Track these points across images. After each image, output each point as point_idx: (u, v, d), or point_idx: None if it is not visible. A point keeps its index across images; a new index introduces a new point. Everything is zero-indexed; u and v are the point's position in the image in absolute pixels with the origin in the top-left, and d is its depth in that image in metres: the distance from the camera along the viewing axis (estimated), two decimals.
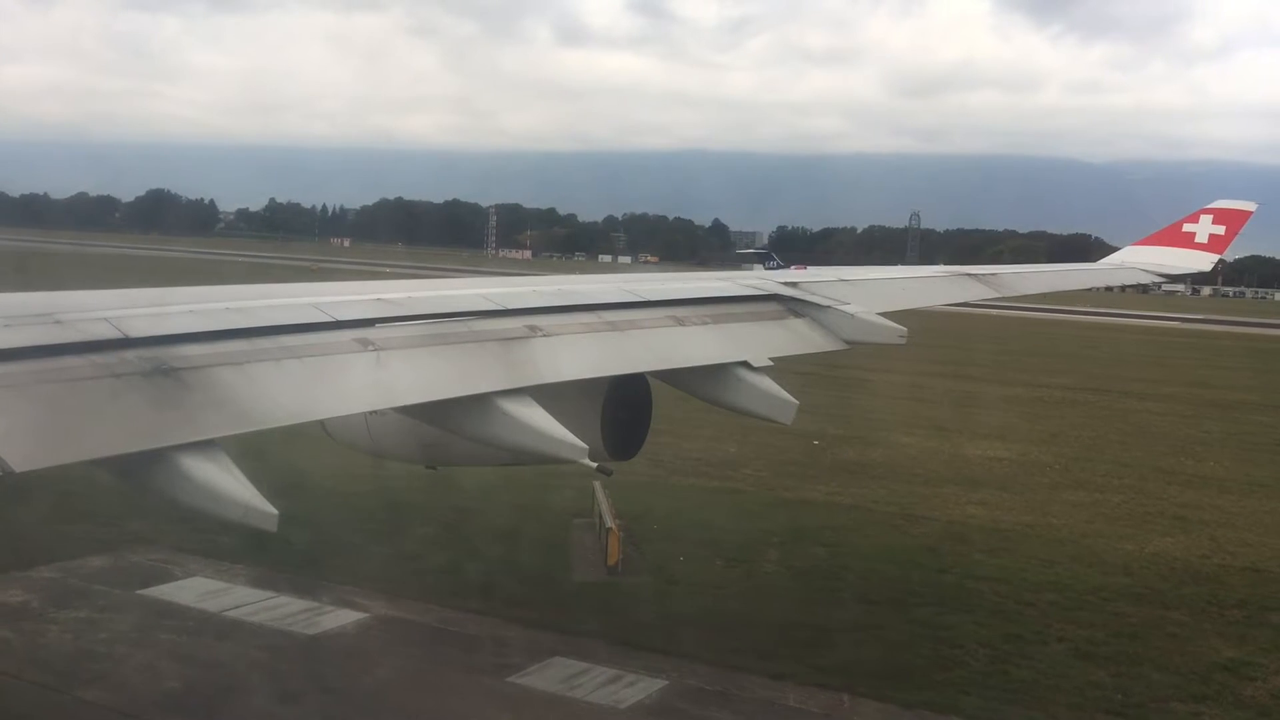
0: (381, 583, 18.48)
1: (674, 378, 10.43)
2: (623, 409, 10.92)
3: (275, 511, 6.19)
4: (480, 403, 8.00)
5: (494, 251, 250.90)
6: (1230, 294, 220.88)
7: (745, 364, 10.23)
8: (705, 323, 10.76)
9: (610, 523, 20.08)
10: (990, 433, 37.16)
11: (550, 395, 8.41)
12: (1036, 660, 16.33)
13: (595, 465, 8.86)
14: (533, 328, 9.08)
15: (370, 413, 10.44)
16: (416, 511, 22.48)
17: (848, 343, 11.81)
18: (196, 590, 17.78)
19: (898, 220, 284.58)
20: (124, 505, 19.92)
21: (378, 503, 22.52)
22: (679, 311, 10.70)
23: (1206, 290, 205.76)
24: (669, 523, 23.05)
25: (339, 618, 16.92)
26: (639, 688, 14.87)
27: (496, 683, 14.88)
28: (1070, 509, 26.31)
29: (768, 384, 10.15)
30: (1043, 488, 28.82)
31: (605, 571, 19.69)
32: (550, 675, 15.12)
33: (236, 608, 17.10)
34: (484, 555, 20.47)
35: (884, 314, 12.27)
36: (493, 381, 8.16)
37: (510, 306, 9.34)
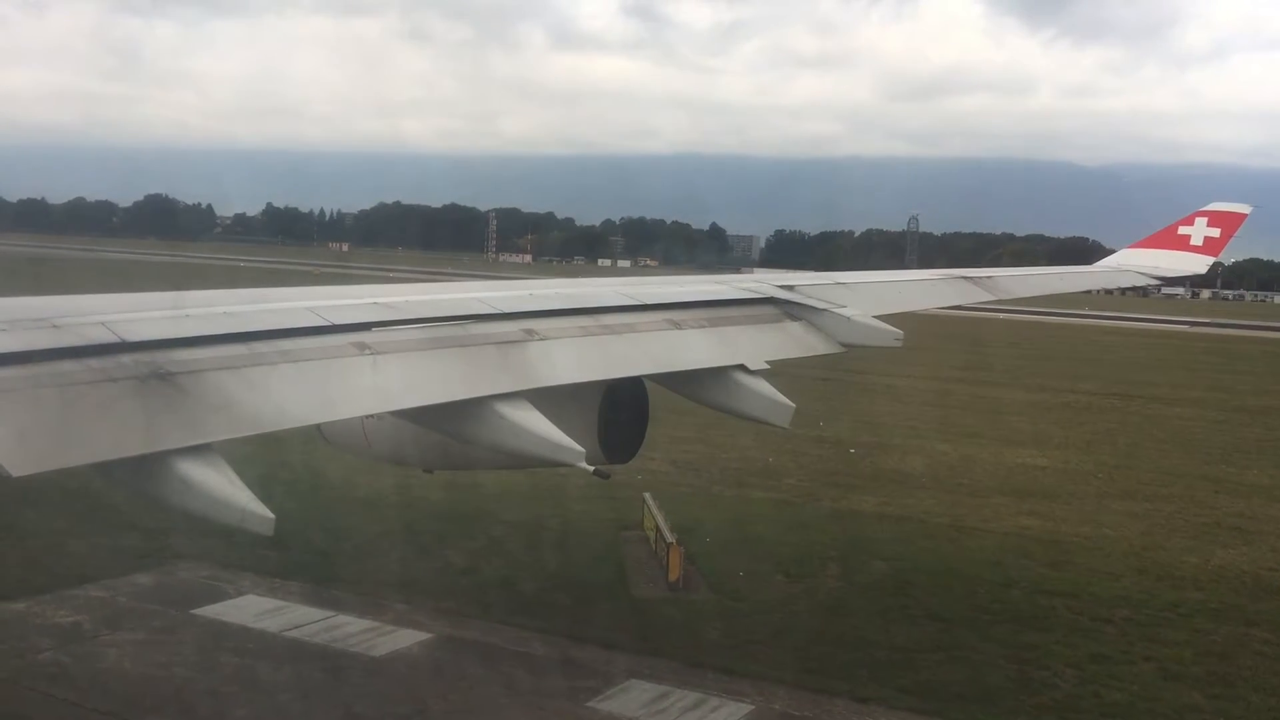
0: (438, 599, 17.96)
1: (670, 381, 10.41)
2: (620, 412, 10.90)
3: (271, 516, 6.16)
4: (477, 406, 8.00)
5: (494, 255, 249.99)
6: (1229, 297, 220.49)
7: (742, 367, 10.23)
8: (701, 326, 10.75)
9: (670, 537, 19.52)
10: (1025, 440, 36.67)
11: (547, 399, 8.38)
12: (1126, 682, 15.81)
13: (593, 469, 8.73)
14: (529, 331, 9.07)
15: (367, 417, 10.43)
16: (458, 522, 21.97)
17: (844, 346, 11.74)
18: (251, 609, 17.20)
19: (896, 223, 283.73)
20: (161, 517, 19.37)
21: (416, 514, 22.00)
22: (675, 315, 10.69)
23: (1206, 293, 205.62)
24: (721, 536, 22.48)
25: (401, 638, 16.36)
26: (724, 713, 14.34)
27: (577, 708, 14.33)
28: (1124, 519, 25.80)
29: (764, 387, 10.12)
30: (1091, 497, 28.32)
31: (666, 587, 19.13)
32: (631, 700, 14.58)
33: (295, 628, 16.53)
34: (537, 570, 19.95)
35: (880, 317, 12.18)
36: (490, 385, 8.16)
37: (507, 310, 9.35)
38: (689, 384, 10.32)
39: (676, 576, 19.13)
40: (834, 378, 45.21)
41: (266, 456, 18.55)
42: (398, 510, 22.08)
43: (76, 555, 19.15)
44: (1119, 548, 23.17)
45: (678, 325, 10.53)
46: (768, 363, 10.55)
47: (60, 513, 19.86)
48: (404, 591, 18.16)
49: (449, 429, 8.45)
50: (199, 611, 17.11)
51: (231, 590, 18.07)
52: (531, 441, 7.99)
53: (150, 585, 18.24)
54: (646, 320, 10.38)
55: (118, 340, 6.72)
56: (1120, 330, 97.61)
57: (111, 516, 19.34)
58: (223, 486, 6.16)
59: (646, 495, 22.52)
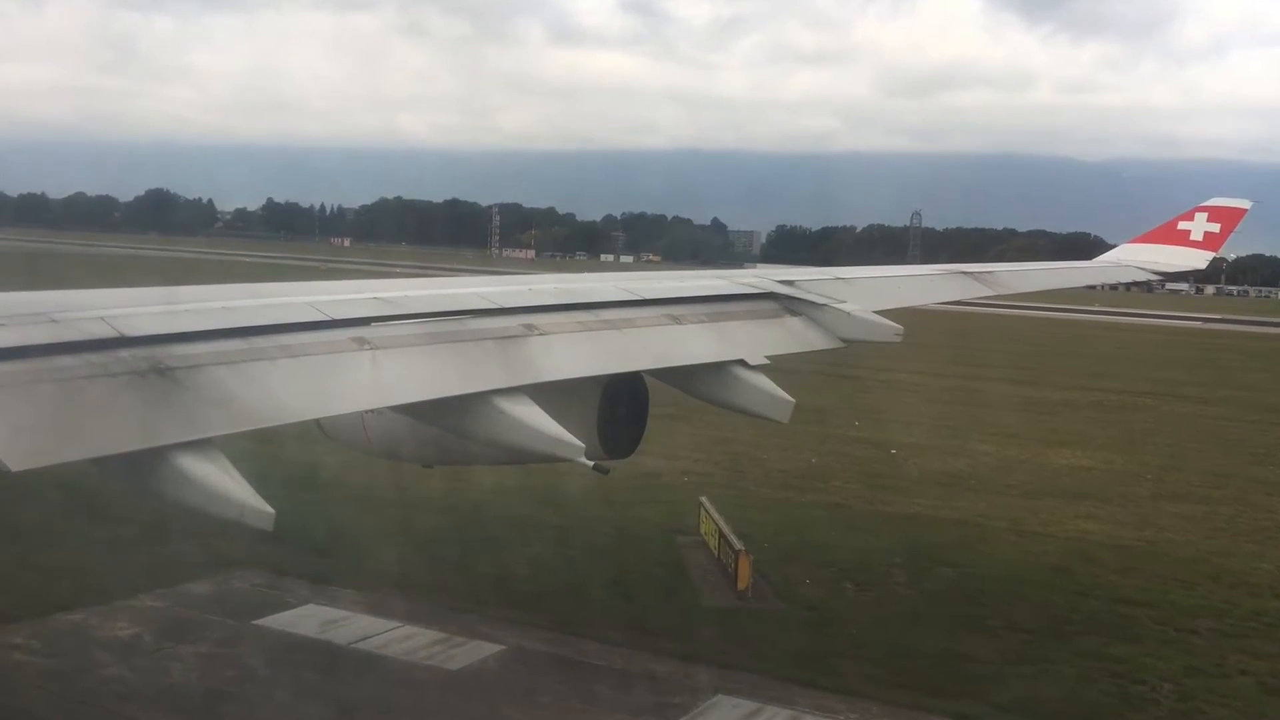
0: (503, 608, 17.39)
1: (670, 376, 10.40)
2: (619, 407, 10.81)
3: (272, 511, 6.15)
4: (477, 401, 7.99)
5: (498, 251, 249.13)
6: (1234, 292, 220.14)
7: (742, 362, 10.20)
8: (701, 321, 10.76)
9: (738, 544, 18.97)
10: (1065, 440, 36.15)
11: (547, 394, 8.39)
12: (1228, 697, 15.31)
13: (592, 464, 8.74)
14: (529, 326, 9.08)
15: (367, 412, 10.37)
16: (506, 526, 21.40)
17: (844, 341, 11.69)
18: (316, 620, 16.64)
19: (898, 219, 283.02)
20: (202, 522, 18.72)
21: (457, 518, 21.46)
22: (675, 310, 10.71)
23: (1210, 289, 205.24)
24: (779, 541, 21.92)
25: (475, 650, 15.80)
26: None
27: None
28: (1183, 523, 25.32)
29: (764, 382, 10.10)
30: (1144, 500, 27.82)
31: (735, 596, 18.59)
32: (722, 717, 14.05)
33: (364, 639, 15.97)
34: (600, 577, 19.35)
35: (881, 312, 12.09)
36: (489, 380, 8.15)
37: (507, 305, 9.33)
38: (688, 379, 10.31)
39: (746, 585, 18.60)
40: (857, 376, 44.72)
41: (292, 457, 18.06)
42: (437, 514, 21.42)
43: (129, 563, 18.52)
44: (1185, 553, 22.68)
45: (677, 320, 10.54)
46: (767, 358, 10.50)
47: (92, 518, 19.10)
48: (467, 600, 17.61)
49: (448, 424, 8.43)
50: (261, 622, 16.54)
51: (291, 599, 17.51)
52: (531, 437, 7.96)
53: (207, 594, 17.67)
54: (646, 315, 10.39)
55: (117, 335, 6.69)
56: (1131, 327, 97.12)
57: (144, 520, 18.68)
58: (221, 481, 6.10)
59: (703, 499, 22.00)
